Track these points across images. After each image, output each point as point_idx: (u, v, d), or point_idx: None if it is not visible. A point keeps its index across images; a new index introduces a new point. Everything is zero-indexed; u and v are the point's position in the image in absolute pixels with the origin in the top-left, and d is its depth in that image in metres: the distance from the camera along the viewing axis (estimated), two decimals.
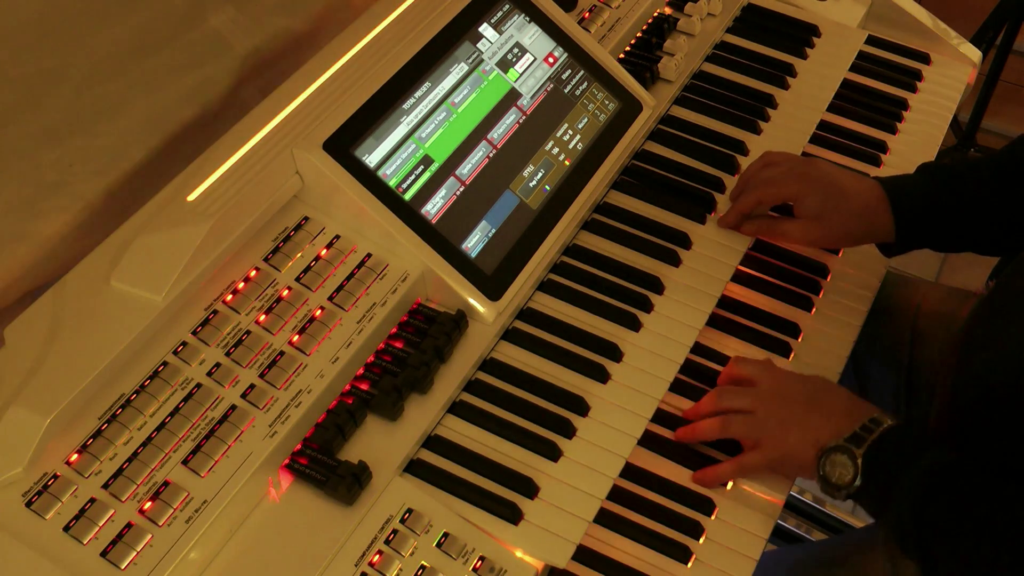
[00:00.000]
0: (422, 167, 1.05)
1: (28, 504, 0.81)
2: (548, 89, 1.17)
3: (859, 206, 1.08)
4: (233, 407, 0.89)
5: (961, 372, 0.95)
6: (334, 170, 0.99)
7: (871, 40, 1.43)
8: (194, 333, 0.92)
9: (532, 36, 1.18)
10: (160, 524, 0.82)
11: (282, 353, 0.93)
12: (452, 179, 1.06)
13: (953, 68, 1.41)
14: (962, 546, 0.82)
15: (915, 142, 1.31)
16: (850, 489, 0.90)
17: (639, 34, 1.34)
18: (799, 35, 1.40)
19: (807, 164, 1.13)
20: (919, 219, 1.07)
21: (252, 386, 0.91)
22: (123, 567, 0.80)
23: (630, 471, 0.98)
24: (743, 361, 1.03)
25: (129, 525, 0.82)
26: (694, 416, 1.01)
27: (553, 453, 0.96)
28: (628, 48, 1.32)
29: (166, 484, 0.84)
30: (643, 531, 0.94)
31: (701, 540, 0.94)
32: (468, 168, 1.08)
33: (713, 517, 0.95)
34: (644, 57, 1.31)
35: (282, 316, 0.95)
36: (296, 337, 0.95)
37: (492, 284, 1.03)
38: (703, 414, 1.00)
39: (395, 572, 0.86)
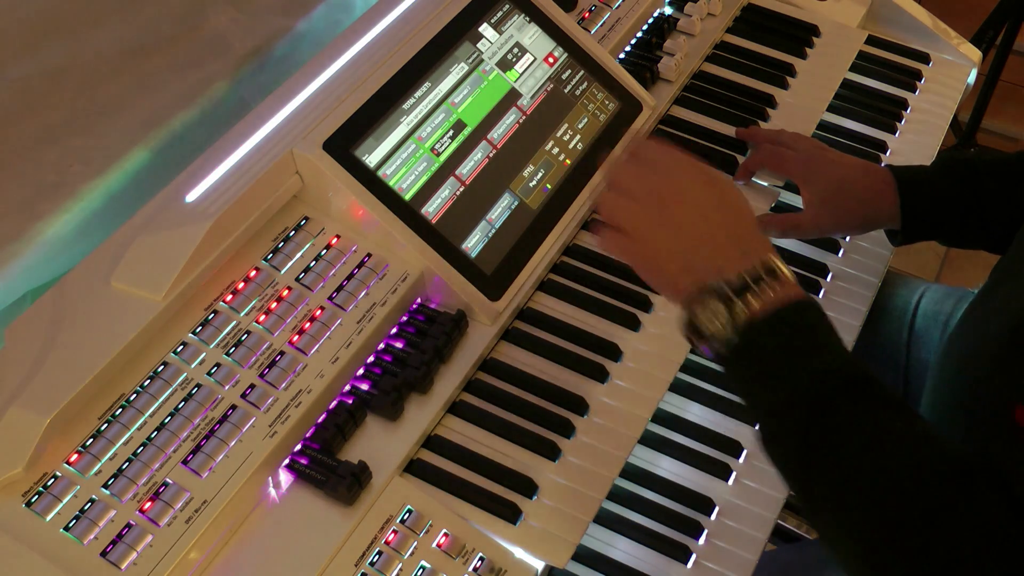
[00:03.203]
0: (422, 167, 1.05)
1: (28, 504, 0.81)
2: (548, 89, 1.17)
3: (866, 191, 1.08)
4: (233, 407, 0.89)
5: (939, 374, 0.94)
6: (334, 170, 0.99)
7: (871, 40, 1.43)
8: (194, 333, 0.92)
9: (532, 36, 1.18)
10: (160, 524, 0.82)
11: (282, 353, 0.93)
12: (452, 179, 1.06)
13: (953, 68, 1.41)
14: (842, 466, 0.71)
15: (915, 142, 1.31)
16: (716, 347, 0.74)
17: (639, 34, 1.34)
18: (799, 35, 1.40)
19: (819, 148, 1.14)
20: (927, 210, 1.07)
21: (252, 386, 0.91)
22: (123, 567, 0.80)
23: (630, 471, 0.98)
24: (645, 146, 0.84)
25: (129, 525, 0.82)
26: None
27: (553, 453, 0.96)
28: (628, 48, 1.32)
29: (166, 484, 0.84)
30: (643, 531, 0.94)
31: (701, 540, 0.94)
32: (468, 168, 1.08)
33: (713, 517, 0.95)
34: (644, 57, 1.31)
35: (282, 316, 0.95)
36: (296, 337, 0.95)
37: (492, 284, 1.03)
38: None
39: (395, 572, 0.86)
